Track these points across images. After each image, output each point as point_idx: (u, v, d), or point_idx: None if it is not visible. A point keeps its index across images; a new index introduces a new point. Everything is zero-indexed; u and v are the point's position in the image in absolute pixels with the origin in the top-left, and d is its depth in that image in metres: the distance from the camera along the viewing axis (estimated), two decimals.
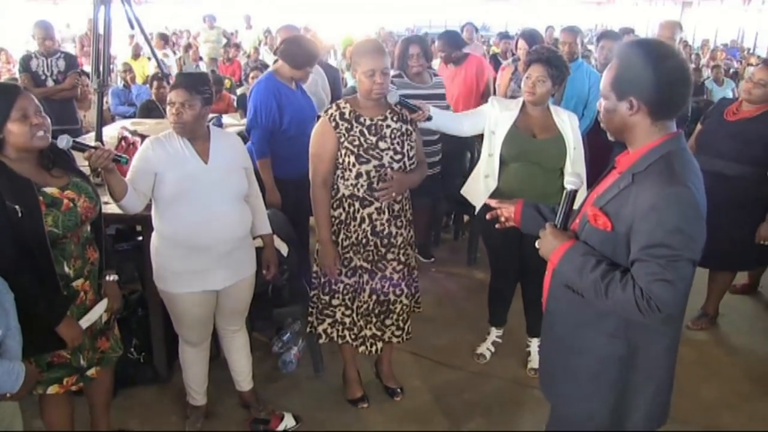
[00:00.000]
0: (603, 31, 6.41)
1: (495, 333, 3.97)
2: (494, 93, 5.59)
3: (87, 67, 6.80)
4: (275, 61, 4.22)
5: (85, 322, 2.50)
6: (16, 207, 2.26)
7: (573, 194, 2.04)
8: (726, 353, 4.15)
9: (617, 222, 1.84)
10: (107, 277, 2.69)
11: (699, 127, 4.14)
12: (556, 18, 22.90)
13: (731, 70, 11.74)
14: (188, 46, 12.19)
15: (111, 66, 9.06)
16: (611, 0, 27.34)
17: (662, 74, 1.81)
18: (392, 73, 3.67)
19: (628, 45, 1.93)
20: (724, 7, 25.37)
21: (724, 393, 3.68)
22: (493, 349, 3.94)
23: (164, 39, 10.78)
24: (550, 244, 1.99)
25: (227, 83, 8.18)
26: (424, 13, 29.46)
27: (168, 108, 2.78)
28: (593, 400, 2.03)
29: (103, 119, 4.59)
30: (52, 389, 2.52)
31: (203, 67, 10.81)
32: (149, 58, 9.96)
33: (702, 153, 3.96)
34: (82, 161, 2.62)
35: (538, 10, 28.66)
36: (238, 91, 7.86)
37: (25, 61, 5.69)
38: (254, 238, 3.15)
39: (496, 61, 9.47)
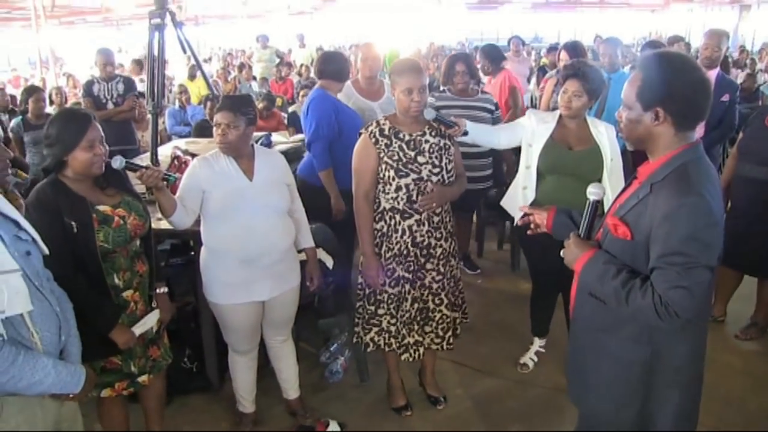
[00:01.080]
0: (648, 42, 6.39)
1: (538, 343, 4.01)
2: (517, 103, 5.79)
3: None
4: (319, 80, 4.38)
5: (138, 328, 2.68)
6: (72, 223, 2.47)
7: (595, 204, 2.10)
8: None
9: (636, 231, 1.90)
10: (157, 290, 2.86)
11: (741, 134, 4.11)
12: (609, 27, 22.69)
13: None
14: (242, 66, 12.50)
15: (170, 87, 9.43)
16: (665, 6, 26.84)
17: (688, 86, 1.88)
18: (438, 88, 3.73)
19: (652, 57, 1.98)
20: None
21: None
22: (536, 359, 3.98)
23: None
24: (573, 254, 2.06)
25: (279, 101, 8.38)
26: (475, 26, 29.49)
27: (214, 129, 2.94)
28: (618, 404, 2.08)
29: (159, 139, 4.81)
30: (105, 392, 2.71)
31: (255, 86, 11.08)
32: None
33: (744, 160, 3.95)
34: (136, 180, 2.81)
35: (590, 19, 28.38)
36: (290, 109, 8.05)
37: (88, 86, 6.02)
38: (299, 252, 3.28)
39: (544, 73, 9.53)
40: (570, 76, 3.37)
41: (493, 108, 4.80)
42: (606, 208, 2.31)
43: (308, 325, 3.88)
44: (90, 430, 2.70)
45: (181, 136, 7.21)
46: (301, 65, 13.24)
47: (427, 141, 3.13)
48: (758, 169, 3.84)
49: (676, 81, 1.86)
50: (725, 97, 4.63)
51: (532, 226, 2.48)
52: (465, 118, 3.41)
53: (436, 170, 3.12)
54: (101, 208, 2.58)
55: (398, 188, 3.09)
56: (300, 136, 5.66)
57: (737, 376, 3.86)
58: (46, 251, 2.19)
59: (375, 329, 3.33)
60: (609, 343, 2.06)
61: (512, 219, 3.81)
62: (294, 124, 7.04)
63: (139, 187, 3.03)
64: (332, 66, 4.22)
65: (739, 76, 9.69)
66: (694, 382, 2.09)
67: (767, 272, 4.13)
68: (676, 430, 2.08)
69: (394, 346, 3.33)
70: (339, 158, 4.07)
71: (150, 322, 2.76)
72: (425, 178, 3.09)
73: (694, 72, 1.89)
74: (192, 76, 10.63)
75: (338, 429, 3.38)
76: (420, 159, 3.09)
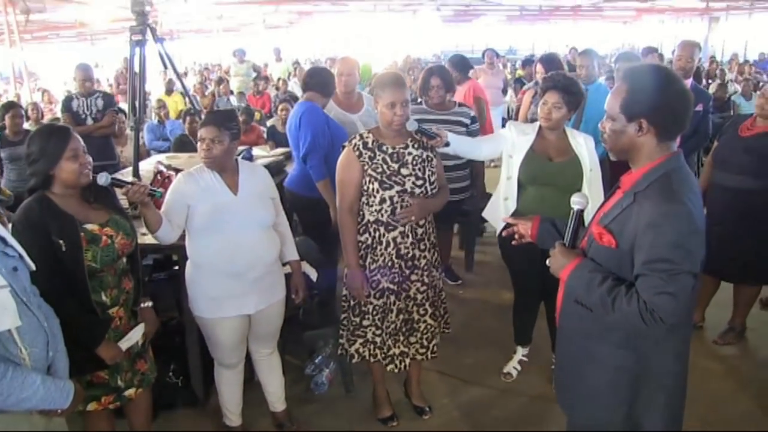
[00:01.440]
0: (621, 53, 6.49)
1: (521, 352, 4.05)
2: (482, 113, 5.80)
3: (123, 104, 7.11)
4: (304, 93, 4.41)
5: (123, 343, 2.68)
6: (60, 242, 2.47)
7: (579, 213, 2.16)
8: (754, 367, 4.17)
9: (621, 239, 1.95)
10: (143, 304, 2.86)
11: (716, 143, 4.21)
12: (582, 38, 23.01)
13: (760, 84, 11.64)
14: (220, 81, 12.50)
15: (146, 102, 9.40)
16: (637, 18, 27.28)
17: (671, 98, 1.94)
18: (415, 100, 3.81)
19: (635, 69, 2.05)
20: (753, 21, 25.20)
21: (751, 406, 3.71)
22: (519, 368, 4.02)
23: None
24: (559, 262, 2.11)
25: (257, 115, 8.39)
26: (451, 39, 29.74)
27: (198, 144, 2.95)
28: (605, 408, 2.13)
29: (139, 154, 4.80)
30: (91, 406, 2.70)
31: (233, 101, 11.08)
32: (182, 94, 10.28)
33: (718, 169, 4.04)
34: (120, 195, 2.81)
35: (563, 31, 28.74)
36: (268, 123, 8.06)
37: (67, 102, 6.00)
38: (283, 265, 3.30)
39: (521, 84, 9.68)
40: (550, 87, 3.42)
41: (468, 122, 4.79)
42: (587, 218, 2.35)
43: (293, 338, 3.88)
44: None
45: (159, 151, 7.18)
46: (279, 79, 13.25)
47: (410, 153, 3.16)
48: (733, 178, 3.94)
49: (660, 93, 1.92)
50: (699, 107, 4.71)
51: (516, 236, 2.51)
52: None
53: (420, 182, 3.16)
54: (89, 227, 2.58)
55: (382, 200, 3.12)
56: (281, 150, 5.68)
57: (717, 380, 3.94)
58: (33, 267, 2.18)
59: (360, 340, 3.34)
60: (596, 349, 2.10)
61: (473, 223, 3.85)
62: (273, 138, 7.06)
63: (123, 202, 3.02)
64: (315, 79, 4.27)
65: (710, 86, 9.88)
66: (678, 386, 2.14)
67: (743, 278, 4.22)
68: None
69: (379, 357, 3.35)
70: (333, 169, 4.10)
71: (135, 336, 2.76)
72: (409, 190, 3.13)
73: (677, 84, 1.95)
74: (169, 91, 10.60)
75: None
76: (403, 171, 3.13)
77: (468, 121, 4.79)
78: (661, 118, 1.94)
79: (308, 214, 4.33)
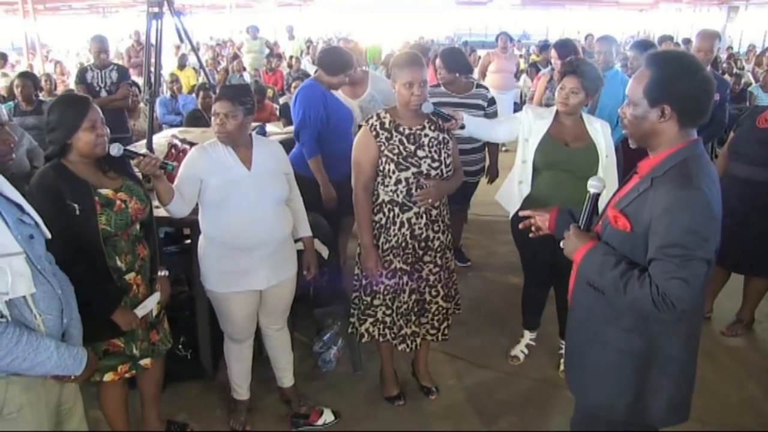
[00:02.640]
0: (637, 41, 6.40)
1: (528, 336, 4.06)
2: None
3: (134, 78, 7.11)
4: (316, 70, 4.41)
5: (139, 311, 2.72)
6: (75, 205, 2.50)
7: (596, 197, 2.16)
8: (760, 359, 4.16)
9: (636, 223, 1.95)
10: (160, 273, 2.90)
11: (732, 134, 4.17)
12: (597, 25, 22.86)
13: None
14: (234, 57, 12.47)
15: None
16: (654, 6, 27.05)
17: (695, 85, 1.93)
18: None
19: (659, 55, 2.03)
20: None
21: (756, 398, 3.71)
22: (526, 351, 4.03)
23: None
24: (573, 245, 2.11)
25: (269, 93, 8.37)
26: (464, 22, 29.57)
27: (213, 118, 2.95)
28: (613, 392, 2.13)
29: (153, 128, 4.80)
30: (108, 377, 2.73)
31: (247, 77, 11.06)
32: (195, 69, 10.28)
33: (734, 160, 4.01)
34: (134, 167, 2.83)
35: (578, 17, 28.54)
36: (281, 101, 8.04)
37: (82, 74, 5.99)
38: (295, 242, 3.31)
39: (536, 69, 9.60)
40: (569, 72, 3.39)
41: (485, 104, 4.77)
42: (601, 205, 2.34)
43: (303, 315, 3.90)
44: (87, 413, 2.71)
45: (171, 126, 7.19)
46: (291, 57, 13.21)
47: (426, 135, 3.16)
48: (749, 169, 3.91)
49: (684, 79, 1.92)
50: (716, 96, 4.67)
51: (533, 228, 2.51)
52: None
53: (436, 164, 3.15)
54: (103, 191, 2.61)
55: (398, 181, 3.12)
56: (292, 127, 5.68)
57: (722, 370, 3.94)
58: (48, 235, 2.20)
59: (370, 320, 3.36)
60: (605, 332, 2.11)
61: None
62: (285, 115, 7.05)
63: (138, 175, 3.04)
64: (323, 56, 4.28)
65: (725, 78, 9.74)
66: (686, 373, 2.14)
67: (754, 270, 4.21)
68: (669, 420, 2.14)
69: (388, 337, 3.36)
70: (326, 148, 4.10)
71: (150, 304, 2.80)
72: (425, 172, 3.12)
73: (701, 71, 1.94)
74: (182, 66, 10.59)
75: (333, 418, 3.42)
76: (420, 153, 3.12)
77: (485, 104, 4.77)
78: (685, 105, 1.93)
79: (305, 192, 4.33)
